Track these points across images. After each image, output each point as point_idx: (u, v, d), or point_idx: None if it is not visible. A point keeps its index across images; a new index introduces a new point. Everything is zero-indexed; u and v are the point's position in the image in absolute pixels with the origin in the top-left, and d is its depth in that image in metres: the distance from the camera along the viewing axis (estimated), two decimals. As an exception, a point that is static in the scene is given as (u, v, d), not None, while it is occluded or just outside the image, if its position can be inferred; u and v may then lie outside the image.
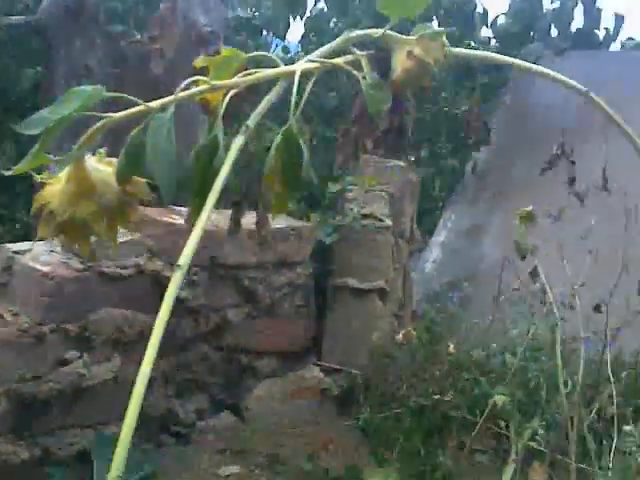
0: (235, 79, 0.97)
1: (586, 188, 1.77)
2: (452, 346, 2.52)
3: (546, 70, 1.01)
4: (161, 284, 2.48)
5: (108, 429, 2.47)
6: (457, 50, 0.96)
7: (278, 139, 0.93)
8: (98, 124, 1.03)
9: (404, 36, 0.95)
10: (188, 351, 2.79)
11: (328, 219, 3.25)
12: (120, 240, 2.34)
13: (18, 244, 2.33)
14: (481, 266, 4.08)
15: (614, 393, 2.21)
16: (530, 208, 1.97)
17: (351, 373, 3.05)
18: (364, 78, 0.94)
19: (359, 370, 3.03)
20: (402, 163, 3.55)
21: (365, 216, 3.22)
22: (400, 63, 0.93)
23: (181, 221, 2.61)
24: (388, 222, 3.23)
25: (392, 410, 2.65)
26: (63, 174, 1.11)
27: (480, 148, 4.11)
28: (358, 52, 0.96)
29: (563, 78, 0.99)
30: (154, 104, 0.98)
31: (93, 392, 2.39)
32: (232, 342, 2.93)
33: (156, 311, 2.68)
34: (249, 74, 0.97)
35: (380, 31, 0.95)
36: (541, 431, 2.46)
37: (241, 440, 2.77)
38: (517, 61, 0.99)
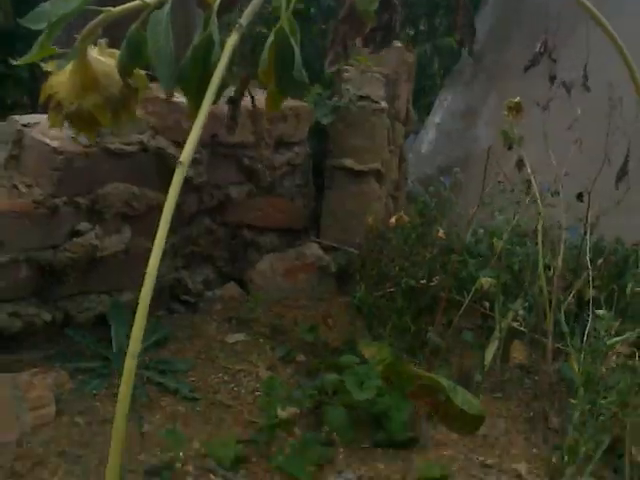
0: (229, -24, 0.98)
1: (574, 78, 1.77)
2: (441, 231, 2.58)
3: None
4: (165, 161, 2.53)
5: (122, 296, 2.57)
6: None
7: (271, 38, 0.95)
8: (98, 17, 1.05)
9: None
10: (194, 225, 2.86)
11: (325, 99, 3.24)
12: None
13: (27, 116, 2.34)
14: (474, 149, 4.09)
15: (591, 278, 2.29)
16: (518, 99, 1.97)
17: (348, 252, 3.13)
18: (353, -23, 0.95)
19: (355, 249, 3.11)
20: (398, 43, 3.50)
21: (361, 98, 3.21)
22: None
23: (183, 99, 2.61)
24: (383, 104, 3.22)
25: (385, 289, 2.74)
26: (68, 66, 1.13)
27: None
28: (348, -49, 0.96)
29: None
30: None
31: (106, 262, 2.48)
32: (235, 219, 3.00)
33: (161, 188, 2.74)
34: (243, -29, 0.98)
35: None
36: (522, 312, 2.57)
37: (246, 310, 2.88)
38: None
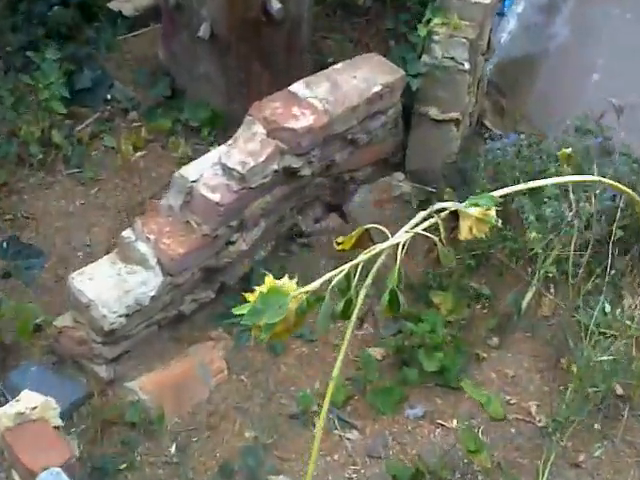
0: None
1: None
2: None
3: None
4: (290, 172, 3.20)
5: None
6: None
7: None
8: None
9: None
10: (307, 187, 3.54)
11: (415, 58, 3.64)
12: (260, 160, 2.99)
13: (192, 172, 2.98)
14: (550, 46, 4.39)
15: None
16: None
17: (427, 190, 3.80)
18: None
19: (432, 186, 3.77)
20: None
21: (448, 59, 3.60)
22: None
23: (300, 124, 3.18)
24: (466, 66, 3.60)
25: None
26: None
27: None
28: None
29: None
30: None
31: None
32: (337, 171, 3.65)
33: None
34: None
35: None
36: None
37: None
38: None
